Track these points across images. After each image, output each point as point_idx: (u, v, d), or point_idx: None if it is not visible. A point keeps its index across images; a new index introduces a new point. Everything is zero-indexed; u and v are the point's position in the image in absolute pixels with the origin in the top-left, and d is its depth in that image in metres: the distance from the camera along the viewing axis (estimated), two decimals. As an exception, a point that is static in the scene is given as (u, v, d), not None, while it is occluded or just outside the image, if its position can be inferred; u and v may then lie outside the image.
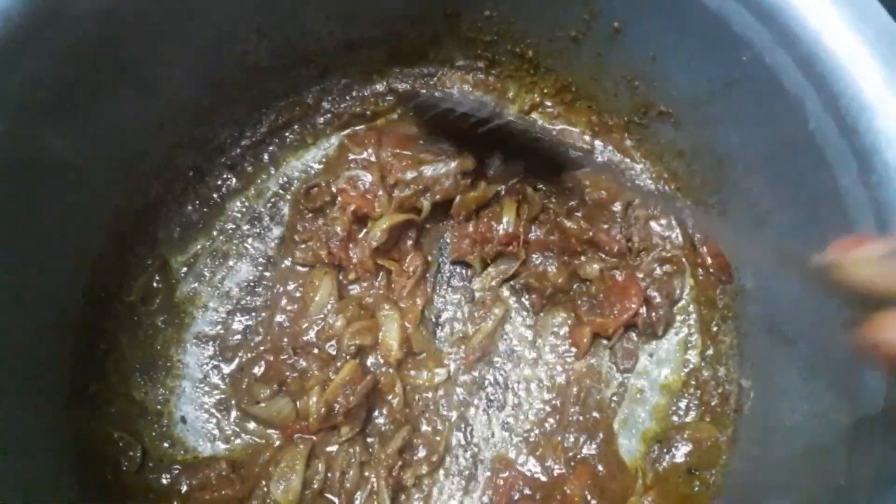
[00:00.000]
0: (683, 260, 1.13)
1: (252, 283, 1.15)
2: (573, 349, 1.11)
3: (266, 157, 1.21)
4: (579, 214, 1.14)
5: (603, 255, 1.13)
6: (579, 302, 1.12)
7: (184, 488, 1.03)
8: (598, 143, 1.20)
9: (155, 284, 1.14)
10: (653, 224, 1.14)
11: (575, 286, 1.13)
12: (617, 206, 1.13)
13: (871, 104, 0.78)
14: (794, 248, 0.91)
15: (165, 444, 1.07)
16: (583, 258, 1.14)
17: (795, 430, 0.90)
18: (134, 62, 0.97)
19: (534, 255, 1.14)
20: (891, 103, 0.76)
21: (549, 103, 1.22)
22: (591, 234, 1.12)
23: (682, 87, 1.03)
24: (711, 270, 1.11)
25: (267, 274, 1.16)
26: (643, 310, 1.10)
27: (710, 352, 1.10)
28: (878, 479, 0.71)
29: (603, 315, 1.10)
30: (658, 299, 1.10)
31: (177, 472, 1.04)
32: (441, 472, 1.06)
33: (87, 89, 0.92)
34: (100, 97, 0.95)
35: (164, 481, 1.04)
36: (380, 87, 1.23)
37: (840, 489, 0.74)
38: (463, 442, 1.08)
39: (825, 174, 0.83)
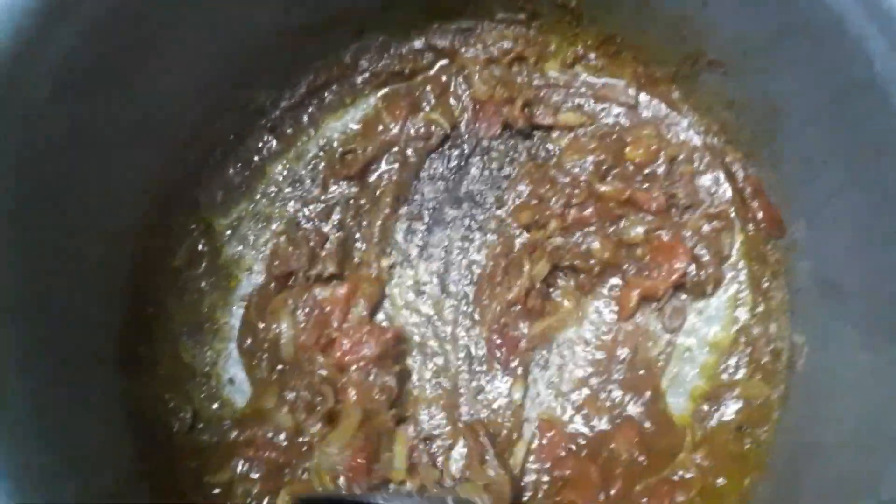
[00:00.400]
0: (732, 215, 1.10)
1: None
2: (619, 311, 1.09)
3: (305, 118, 1.20)
4: (613, 175, 1.12)
5: (645, 216, 1.10)
6: (626, 266, 1.10)
7: (230, 438, 1.05)
8: (643, 96, 1.16)
9: (200, 248, 1.14)
10: (699, 179, 1.11)
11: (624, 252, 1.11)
12: (660, 163, 1.10)
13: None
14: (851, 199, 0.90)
15: (214, 406, 1.10)
16: (624, 222, 1.11)
17: (854, 386, 0.88)
18: (168, 27, 0.95)
19: (575, 234, 1.11)
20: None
21: (592, 56, 1.18)
22: (627, 193, 1.09)
23: (733, 34, 0.99)
24: (762, 225, 1.08)
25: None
26: (692, 268, 1.07)
27: (760, 308, 1.07)
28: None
29: (651, 278, 1.08)
30: (707, 257, 1.08)
31: (226, 427, 1.06)
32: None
33: (123, 57, 0.91)
34: (136, 65, 0.94)
35: (214, 439, 1.06)
36: (418, 43, 1.21)
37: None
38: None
39: (889, 119, 0.80)
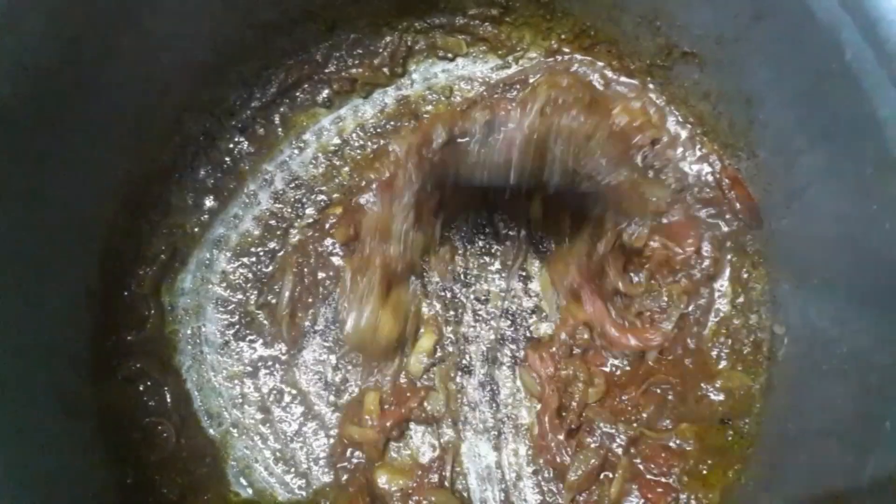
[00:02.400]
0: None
1: (267, 249, 1.14)
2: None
3: (277, 118, 1.18)
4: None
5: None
6: None
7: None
8: (619, 88, 1.15)
9: (172, 249, 1.12)
10: (683, 165, 1.10)
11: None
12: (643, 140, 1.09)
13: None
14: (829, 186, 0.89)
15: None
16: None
17: (834, 375, 0.87)
18: (137, 19, 0.94)
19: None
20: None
21: (566, 49, 1.17)
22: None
23: (706, 24, 0.99)
24: (741, 216, 1.07)
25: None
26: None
27: (740, 299, 1.07)
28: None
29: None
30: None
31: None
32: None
33: (90, 48, 0.90)
34: (102, 57, 0.92)
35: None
36: (389, 38, 1.19)
37: (888, 433, 0.72)
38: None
39: (863, 106, 0.79)
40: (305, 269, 1.12)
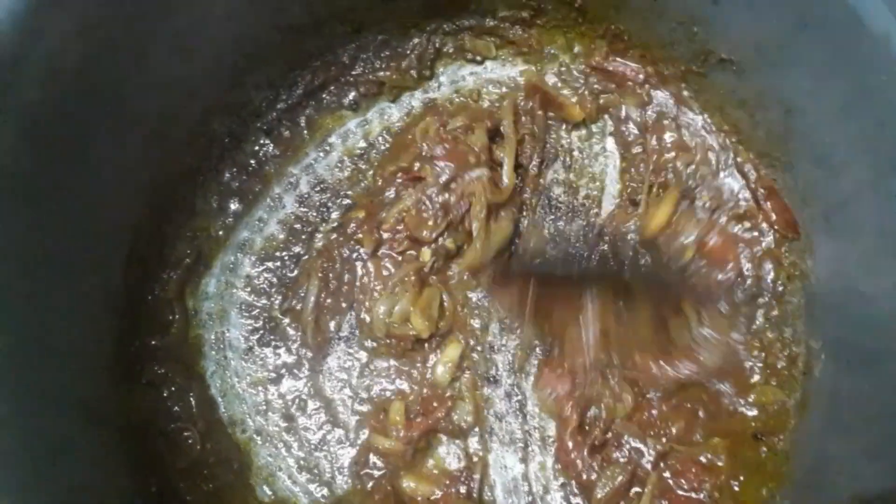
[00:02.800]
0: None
1: (292, 253, 1.12)
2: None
3: (303, 120, 1.17)
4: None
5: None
6: None
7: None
8: (654, 93, 1.13)
9: (197, 253, 1.11)
10: (719, 179, 1.08)
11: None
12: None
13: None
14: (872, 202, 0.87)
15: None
16: None
17: (874, 395, 0.85)
18: (164, 22, 0.92)
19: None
20: None
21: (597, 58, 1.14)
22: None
23: (746, 30, 0.96)
24: (776, 227, 1.05)
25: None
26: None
27: (775, 312, 1.04)
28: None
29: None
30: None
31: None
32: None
33: (119, 53, 0.88)
34: (131, 61, 0.91)
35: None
36: (417, 40, 1.17)
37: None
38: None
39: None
40: (331, 275, 1.10)
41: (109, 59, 0.87)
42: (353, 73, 1.17)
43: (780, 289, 1.04)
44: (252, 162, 1.15)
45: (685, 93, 1.11)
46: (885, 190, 0.85)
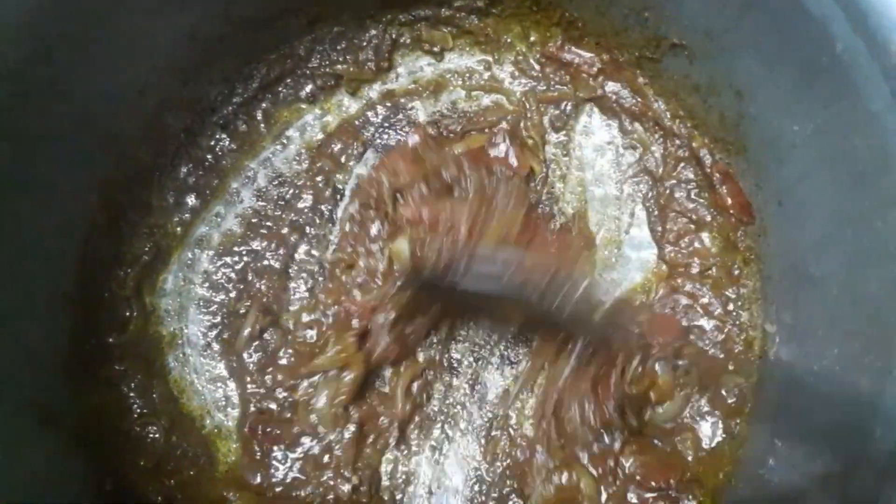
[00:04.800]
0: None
1: (250, 248, 1.12)
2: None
3: (259, 114, 1.16)
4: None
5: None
6: None
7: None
8: (609, 83, 1.13)
9: (152, 249, 1.10)
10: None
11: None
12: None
13: None
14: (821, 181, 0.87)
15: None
16: None
17: (824, 376, 0.85)
18: (111, 18, 0.91)
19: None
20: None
21: (551, 46, 1.14)
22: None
23: (695, 15, 0.96)
24: (732, 212, 1.05)
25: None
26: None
27: (732, 296, 1.05)
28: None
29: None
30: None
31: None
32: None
33: (64, 47, 0.87)
34: (77, 57, 0.89)
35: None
36: (374, 32, 1.16)
37: (877, 440, 0.70)
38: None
39: (854, 100, 0.77)
40: (289, 269, 1.10)
41: (53, 56, 0.87)
42: (310, 65, 1.17)
43: (736, 273, 1.05)
44: (208, 157, 1.14)
45: (640, 80, 1.10)
46: (832, 173, 0.85)
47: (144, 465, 1.02)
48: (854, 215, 0.83)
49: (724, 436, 0.99)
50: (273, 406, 1.04)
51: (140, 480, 1.01)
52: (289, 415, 1.03)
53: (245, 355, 1.06)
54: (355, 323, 1.01)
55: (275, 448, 1.02)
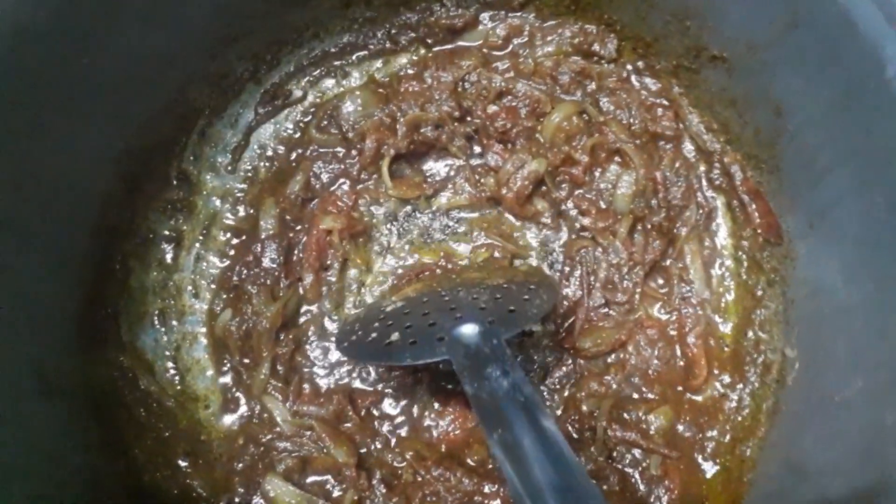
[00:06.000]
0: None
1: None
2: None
3: (286, 93, 1.15)
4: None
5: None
6: None
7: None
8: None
9: (172, 222, 1.09)
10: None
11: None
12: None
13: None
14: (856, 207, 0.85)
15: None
16: None
17: (846, 407, 0.83)
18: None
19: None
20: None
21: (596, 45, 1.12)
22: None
23: (738, 27, 0.94)
24: (759, 231, 1.02)
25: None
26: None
27: (753, 316, 1.03)
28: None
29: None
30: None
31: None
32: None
33: (90, 13, 0.86)
34: (103, 23, 0.88)
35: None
36: (408, 18, 1.15)
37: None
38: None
39: (898, 131, 0.75)
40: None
41: (79, 21, 0.85)
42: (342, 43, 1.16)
43: (760, 293, 1.03)
44: (229, 133, 1.13)
45: (675, 89, 1.08)
46: (868, 199, 0.83)
47: (150, 445, 1.01)
48: (887, 245, 0.81)
49: (733, 458, 0.97)
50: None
51: (146, 459, 1.00)
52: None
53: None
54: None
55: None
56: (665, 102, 1.09)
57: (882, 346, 0.79)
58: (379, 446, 1.01)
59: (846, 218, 0.88)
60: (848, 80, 0.82)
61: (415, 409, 1.03)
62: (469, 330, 0.87)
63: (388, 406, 1.03)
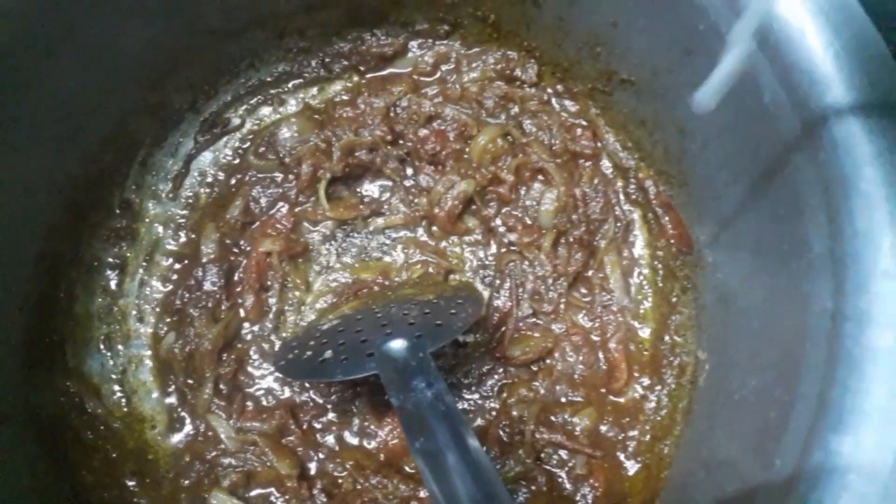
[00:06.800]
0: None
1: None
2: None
3: (225, 121, 1.19)
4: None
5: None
6: None
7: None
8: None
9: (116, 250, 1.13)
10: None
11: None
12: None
13: (823, 78, 0.75)
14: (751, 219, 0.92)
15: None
16: None
17: (741, 406, 0.89)
18: (79, 24, 0.94)
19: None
20: (838, 77, 0.74)
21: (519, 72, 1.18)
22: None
23: (642, 54, 1.01)
24: (672, 241, 1.09)
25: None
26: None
27: (669, 321, 1.09)
28: (816, 466, 0.71)
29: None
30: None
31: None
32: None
33: (30, 52, 0.90)
34: (43, 60, 0.92)
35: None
36: (341, 48, 1.20)
37: (777, 471, 0.74)
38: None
39: (779, 148, 0.82)
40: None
41: (17, 59, 0.89)
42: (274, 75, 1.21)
43: (674, 300, 1.09)
44: (170, 162, 1.17)
45: (592, 110, 1.15)
46: (758, 212, 0.90)
47: (98, 466, 1.04)
48: (775, 255, 0.88)
49: (651, 456, 1.04)
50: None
51: (94, 480, 1.03)
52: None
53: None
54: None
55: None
56: (584, 123, 1.16)
57: (771, 349, 0.86)
58: (321, 457, 1.06)
59: (744, 229, 0.95)
60: (737, 106, 0.88)
61: (355, 421, 1.07)
62: (397, 345, 0.92)
63: (329, 418, 1.08)
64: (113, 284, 1.13)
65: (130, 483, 1.04)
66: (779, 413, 0.79)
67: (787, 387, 0.79)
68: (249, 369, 1.10)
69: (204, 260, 1.12)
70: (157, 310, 1.12)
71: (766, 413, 0.82)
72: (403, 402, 0.86)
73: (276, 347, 1.10)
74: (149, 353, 1.11)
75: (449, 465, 0.79)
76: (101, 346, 1.10)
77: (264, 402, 1.09)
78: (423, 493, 1.00)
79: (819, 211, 0.76)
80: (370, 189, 1.19)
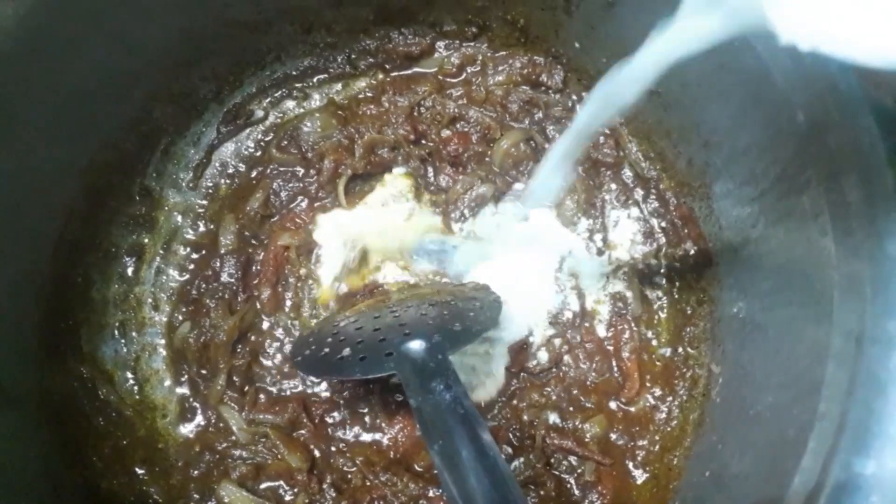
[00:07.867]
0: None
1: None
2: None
3: (248, 112, 1.19)
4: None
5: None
6: None
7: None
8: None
9: (132, 238, 1.13)
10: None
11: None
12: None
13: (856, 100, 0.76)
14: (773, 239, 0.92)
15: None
16: None
17: (756, 421, 0.90)
18: (107, 11, 0.94)
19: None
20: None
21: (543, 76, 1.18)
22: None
23: (673, 66, 1.00)
24: (691, 253, 1.10)
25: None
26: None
27: (683, 333, 1.10)
28: (837, 486, 0.71)
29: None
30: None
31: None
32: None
33: (58, 38, 0.89)
34: (70, 46, 0.92)
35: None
36: (367, 45, 1.20)
37: (796, 489, 0.74)
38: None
39: (807, 169, 0.82)
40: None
41: (47, 42, 0.89)
42: (300, 69, 1.20)
43: (689, 311, 1.10)
44: (192, 151, 1.17)
45: (616, 119, 1.15)
46: (784, 230, 0.90)
47: (108, 453, 1.04)
48: (799, 274, 0.88)
49: (660, 466, 1.04)
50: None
51: (104, 467, 1.03)
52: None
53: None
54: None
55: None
56: (607, 131, 1.16)
57: (789, 366, 0.86)
58: (333, 450, 1.06)
59: (766, 246, 0.95)
60: (766, 122, 0.89)
61: (366, 418, 1.07)
62: (416, 346, 0.93)
63: (341, 414, 1.08)
64: (130, 271, 1.12)
65: (140, 471, 1.04)
66: (797, 431, 0.79)
67: (805, 405, 0.79)
68: (263, 362, 1.10)
69: (222, 251, 1.12)
70: (173, 299, 1.12)
71: (783, 430, 0.82)
72: (422, 403, 0.86)
73: (291, 340, 1.10)
74: (163, 341, 1.11)
75: (467, 467, 0.79)
76: (116, 333, 1.10)
77: (277, 395, 1.08)
78: (432, 493, 1.00)
79: (847, 233, 0.76)
80: (389, 187, 1.19)
